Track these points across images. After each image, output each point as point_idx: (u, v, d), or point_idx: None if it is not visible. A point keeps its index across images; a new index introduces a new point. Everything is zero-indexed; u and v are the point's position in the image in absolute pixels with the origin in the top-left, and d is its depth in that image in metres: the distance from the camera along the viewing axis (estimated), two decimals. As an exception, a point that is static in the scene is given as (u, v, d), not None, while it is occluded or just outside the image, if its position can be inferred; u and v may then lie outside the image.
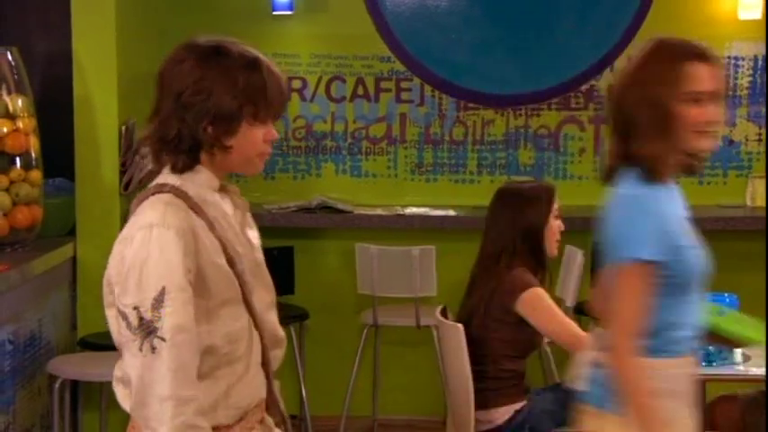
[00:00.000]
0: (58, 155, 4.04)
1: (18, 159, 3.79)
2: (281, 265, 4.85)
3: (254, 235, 2.15)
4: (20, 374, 3.60)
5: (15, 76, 3.78)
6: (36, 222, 3.86)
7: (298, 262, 4.91)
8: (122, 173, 4.21)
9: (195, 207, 2.01)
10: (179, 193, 2.01)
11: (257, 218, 2.25)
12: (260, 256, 2.13)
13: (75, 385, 3.83)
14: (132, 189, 4.19)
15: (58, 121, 4.04)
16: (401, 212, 4.96)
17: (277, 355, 2.15)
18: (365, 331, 4.75)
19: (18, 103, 3.78)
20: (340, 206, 4.94)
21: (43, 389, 3.83)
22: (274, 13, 5.14)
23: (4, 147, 3.75)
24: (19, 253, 3.74)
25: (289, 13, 5.15)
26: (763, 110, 5.14)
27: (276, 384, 2.16)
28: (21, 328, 3.63)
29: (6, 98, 3.76)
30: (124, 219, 4.20)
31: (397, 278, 4.65)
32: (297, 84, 5.17)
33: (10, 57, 3.76)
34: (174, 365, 1.91)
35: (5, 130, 3.74)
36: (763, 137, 5.17)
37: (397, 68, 5.19)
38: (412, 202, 5.10)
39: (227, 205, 2.09)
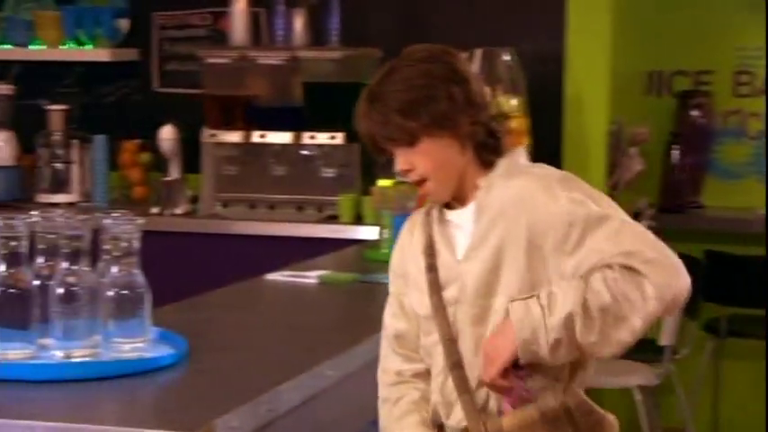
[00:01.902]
0: (546, 155, 4.00)
1: (510, 159, 3.80)
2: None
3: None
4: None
5: (510, 77, 3.80)
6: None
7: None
8: (610, 174, 4.10)
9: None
10: None
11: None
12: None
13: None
14: (620, 190, 4.07)
15: (547, 121, 4.02)
16: None
17: None
18: None
19: (512, 103, 3.80)
20: None
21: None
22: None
23: (497, 147, 3.78)
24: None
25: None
26: None
27: None
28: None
29: (501, 98, 3.79)
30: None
31: None
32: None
33: (506, 57, 3.80)
34: None
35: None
36: None
37: None
38: None
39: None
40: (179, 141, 4.18)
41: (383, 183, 4.22)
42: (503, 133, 1.96)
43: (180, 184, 4.22)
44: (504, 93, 3.80)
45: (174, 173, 4.23)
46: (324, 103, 4.06)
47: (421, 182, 1.95)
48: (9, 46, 4.67)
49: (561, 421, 1.81)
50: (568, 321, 1.78)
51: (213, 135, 4.19)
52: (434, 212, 2.01)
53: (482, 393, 1.91)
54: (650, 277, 1.79)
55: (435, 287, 1.94)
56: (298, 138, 4.11)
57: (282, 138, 4.16)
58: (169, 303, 2.51)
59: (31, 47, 4.64)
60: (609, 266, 1.80)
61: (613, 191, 4.12)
